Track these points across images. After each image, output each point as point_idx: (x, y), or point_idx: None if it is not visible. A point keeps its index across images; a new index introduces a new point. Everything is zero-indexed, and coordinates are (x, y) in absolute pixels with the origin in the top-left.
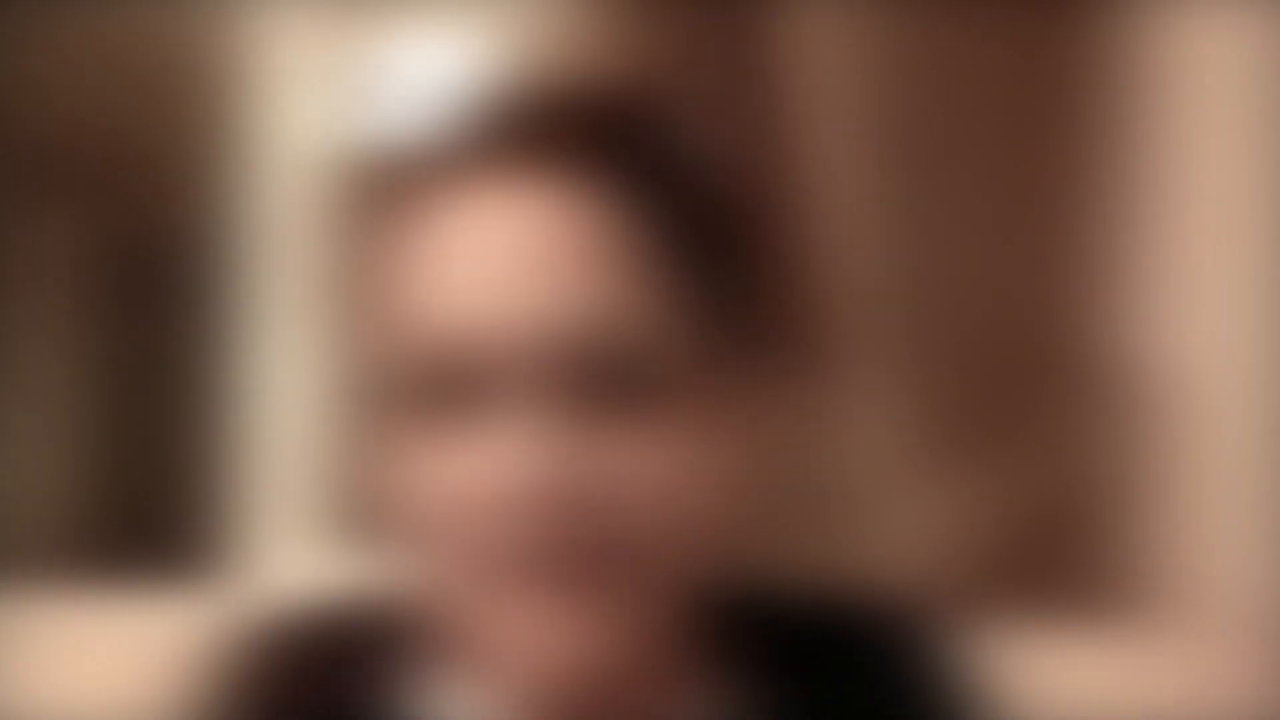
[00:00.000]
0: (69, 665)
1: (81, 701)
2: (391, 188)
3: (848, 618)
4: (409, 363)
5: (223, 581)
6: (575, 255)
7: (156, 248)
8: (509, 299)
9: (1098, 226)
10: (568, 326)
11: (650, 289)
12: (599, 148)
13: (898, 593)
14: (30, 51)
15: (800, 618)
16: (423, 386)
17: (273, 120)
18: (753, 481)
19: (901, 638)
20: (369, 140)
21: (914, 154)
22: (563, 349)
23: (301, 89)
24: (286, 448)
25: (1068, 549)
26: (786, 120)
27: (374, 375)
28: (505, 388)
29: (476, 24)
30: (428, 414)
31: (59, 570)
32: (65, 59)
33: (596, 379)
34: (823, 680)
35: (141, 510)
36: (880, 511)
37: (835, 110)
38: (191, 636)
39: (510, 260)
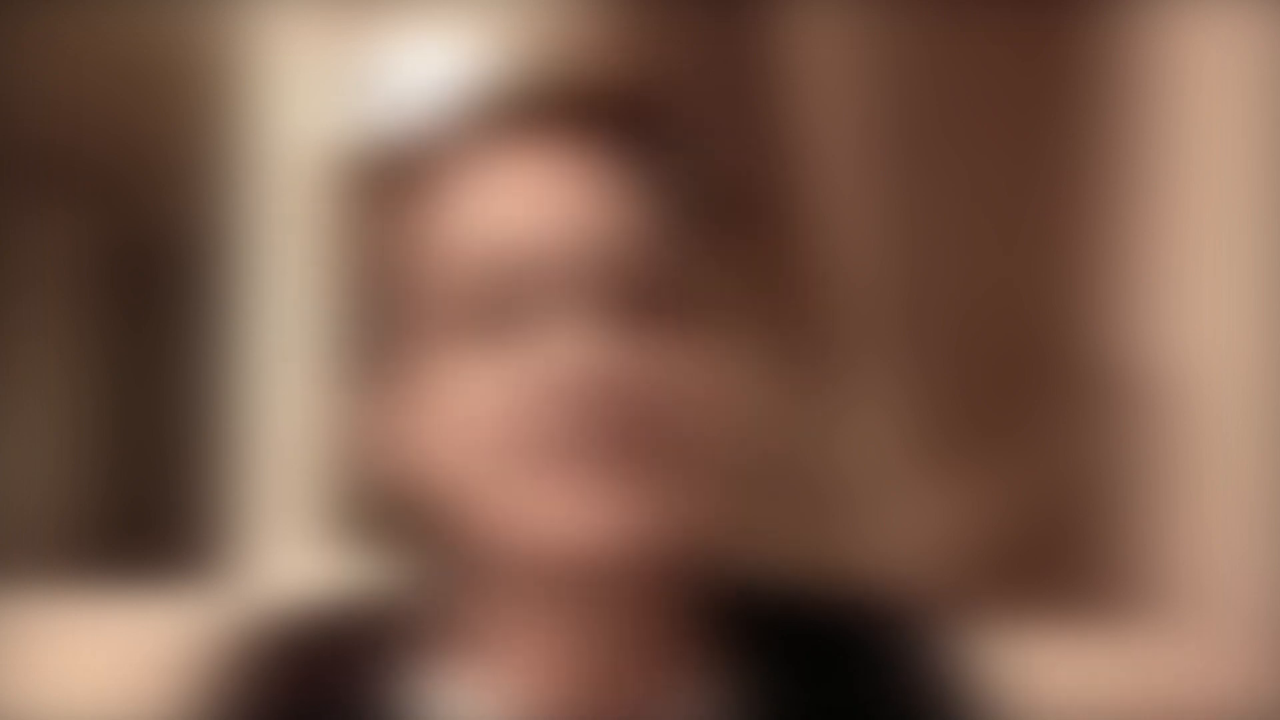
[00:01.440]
0: (69, 665)
1: (81, 701)
2: (418, 161)
3: (844, 614)
4: (454, 289)
5: (222, 581)
6: (597, 194)
7: (156, 247)
8: (550, 222)
9: (1098, 226)
10: (603, 244)
11: (657, 223)
12: (609, 120)
13: (894, 590)
14: (30, 51)
15: (796, 614)
16: (469, 310)
17: (273, 119)
18: (753, 407)
19: (896, 635)
20: (385, 126)
21: (914, 154)
22: (600, 263)
23: (302, 88)
24: (286, 447)
25: (1067, 548)
26: (786, 120)
27: (404, 311)
28: (551, 300)
29: (476, 24)
30: (472, 336)
31: (59, 570)
32: (65, 59)
33: (628, 291)
34: (817, 676)
35: (141, 510)
36: (880, 509)
37: (835, 110)
38: (191, 636)
39: (545, 197)
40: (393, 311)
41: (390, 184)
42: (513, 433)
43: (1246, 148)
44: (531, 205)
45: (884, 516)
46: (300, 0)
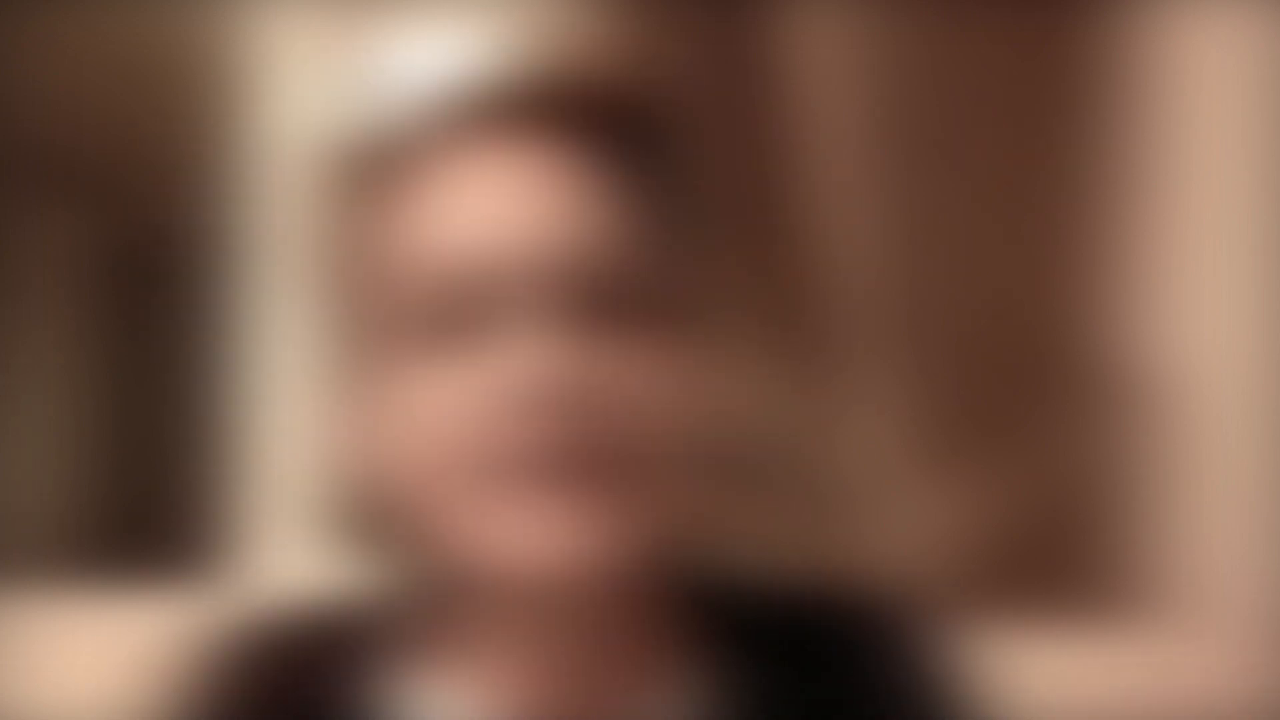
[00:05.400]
0: (67, 665)
1: (79, 701)
2: (389, 159)
3: (836, 614)
4: (415, 295)
5: (220, 581)
6: (565, 196)
7: (156, 247)
8: (512, 225)
9: (1098, 227)
10: (566, 248)
11: (630, 226)
12: (586, 120)
13: (885, 588)
14: (30, 51)
15: (786, 613)
16: (430, 316)
17: (273, 119)
18: (727, 406)
19: (890, 634)
20: (366, 119)
21: (914, 154)
22: (563, 267)
23: (303, 87)
24: (285, 447)
25: (1067, 548)
26: (786, 120)
27: (373, 315)
28: (511, 306)
29: (475, 23)
30: (433, 343)
31: (58, 570)
32: (65, 59)
33: (593, 296)
34: (807, 676)
35: (140, 510)
36: (879, 509)
37: (835, 110)
38: (188, 636)
39: (510, 200)
40: (367, 314)
41: (362, 182)
42: (472, 448)
43: (1246, 148)
44: (494, 208)
45: (883, 516)
46: (301, 1)
